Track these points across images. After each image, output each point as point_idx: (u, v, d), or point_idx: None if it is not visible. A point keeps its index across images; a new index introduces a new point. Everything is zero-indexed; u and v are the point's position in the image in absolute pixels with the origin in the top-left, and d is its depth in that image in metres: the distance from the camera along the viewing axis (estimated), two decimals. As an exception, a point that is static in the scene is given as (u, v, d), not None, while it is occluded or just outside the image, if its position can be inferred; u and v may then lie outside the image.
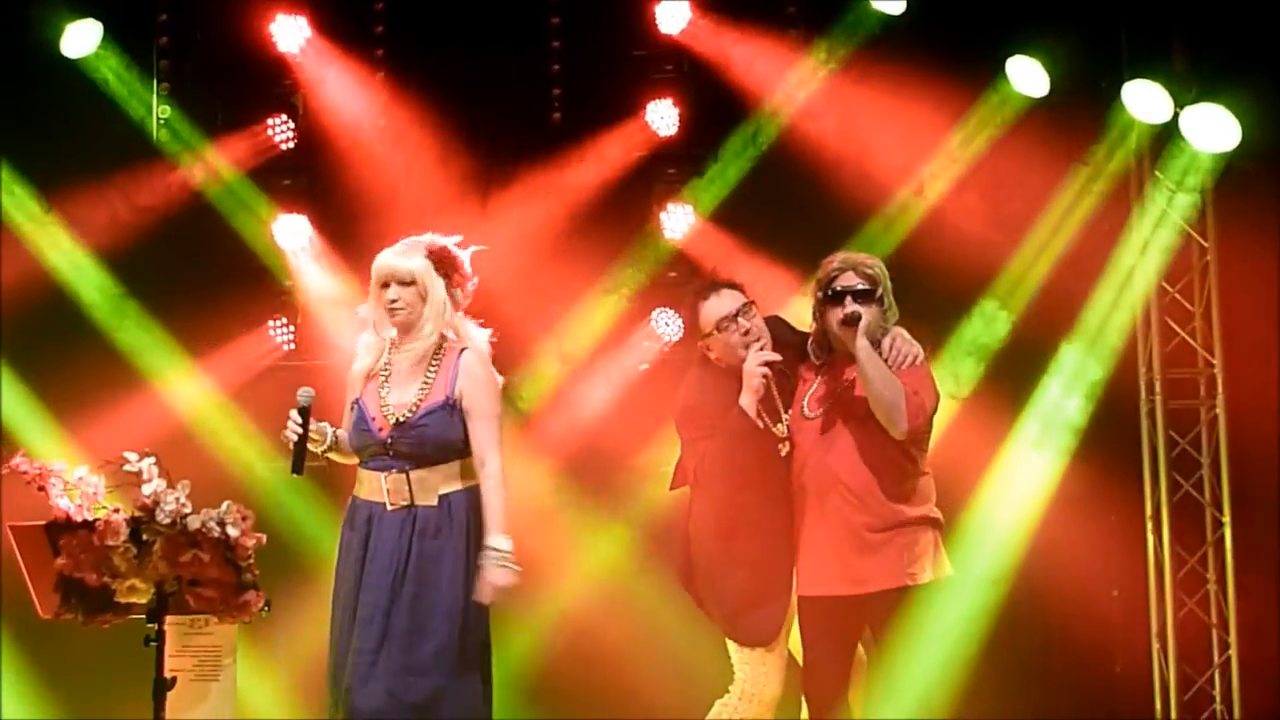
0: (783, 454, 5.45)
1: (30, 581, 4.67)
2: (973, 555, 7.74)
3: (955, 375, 7.84)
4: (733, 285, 5.54)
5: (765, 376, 5.34)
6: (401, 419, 5.07)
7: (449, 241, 5.27)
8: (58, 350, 7.93)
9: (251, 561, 4.81)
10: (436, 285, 5.17)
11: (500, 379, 5.24)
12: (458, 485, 5.10)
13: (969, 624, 7.64)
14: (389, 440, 5.07)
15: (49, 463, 4.56)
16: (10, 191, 7.99)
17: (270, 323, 8.20)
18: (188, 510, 4.64)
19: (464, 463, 5.12)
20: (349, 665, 4.98)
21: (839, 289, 5.36)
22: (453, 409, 5.10)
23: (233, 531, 4.72)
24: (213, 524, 4.69)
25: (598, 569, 8.06)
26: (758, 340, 5.43)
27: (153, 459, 4.63)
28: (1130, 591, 8.14)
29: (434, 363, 5.15)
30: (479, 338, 5.25)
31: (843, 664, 5.42)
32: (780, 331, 5.61)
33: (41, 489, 4.53)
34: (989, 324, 7.98)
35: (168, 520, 4.57)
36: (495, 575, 4.97)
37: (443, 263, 5.21)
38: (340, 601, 5.10)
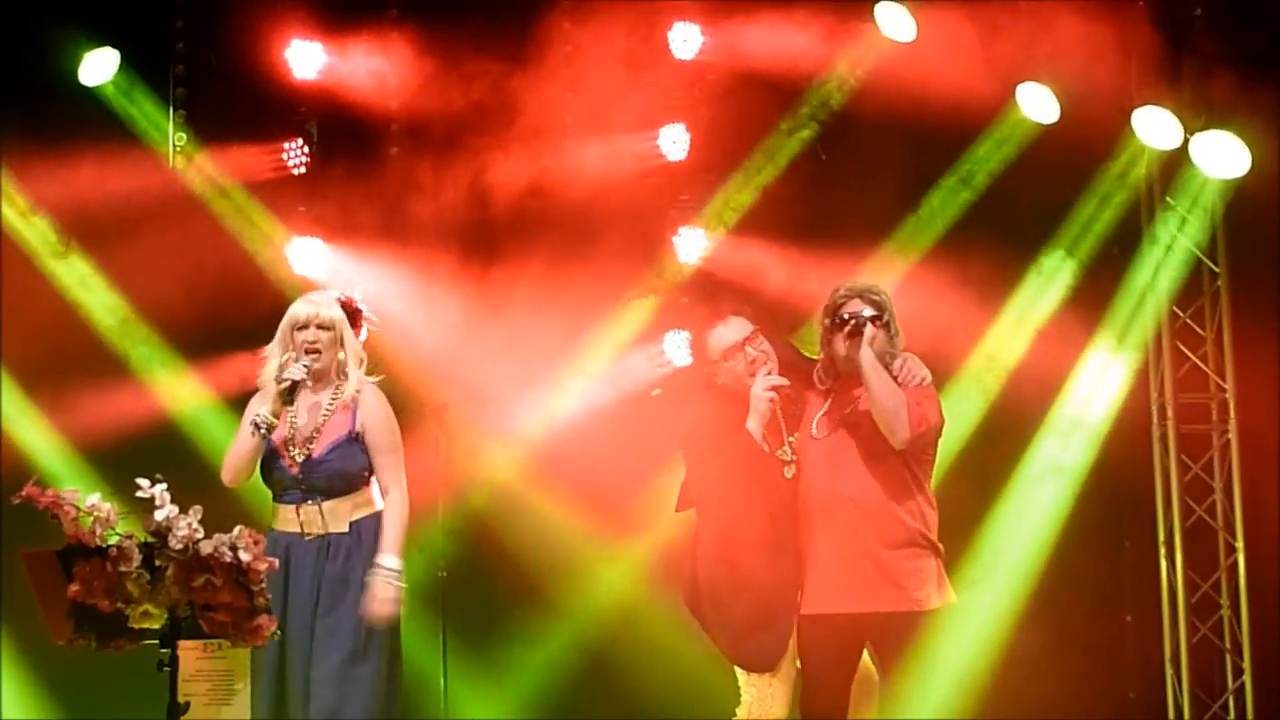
0: (788, 477, 5.47)
1: (43, 608, 4.67)
2: (986, 580, 7.74)
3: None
4: (739, 313, 5.58)
5: (772, 401, 5.39)
6: (305, 456, 5.45)
7: (354, 295, 5.71)
8: (70, 374, 7.99)
9: (263, 586, 4.82)
10: (350, 332, 5.62)
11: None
12: (367, 511, 5.56)
13: (982, 649, 7.63)
14: (300, 476, 5.46)
15: (61, 490, 4.58)
16: (25, 217, 8.06)
17: (285, 346, 8.23)
18: (200, 535, 4.65)
19: (371, 490, 5.55)
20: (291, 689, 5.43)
21: (846, 315, 5.42)
22: (355, 441, 5.51)
23: (244, 556, 4.73)
24: (224, 549, 4.69)
25: (609, 592, 8.08)
26: (764, 366, 5.47)
27: (164, 485, 4.65)
28: (1143, 617, 8.13)
29: (332, 401, 5.53)
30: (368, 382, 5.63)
31: (842, 685, 5.42)
32: (788, 355, 5.65)
33: (54, 516, 4.54)
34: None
35: (180, 545, 4.57)
36: (381, 589, 5.43)
37: (351, 314, 5.65)
38: None
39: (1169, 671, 8.03)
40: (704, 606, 5.54)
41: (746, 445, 5.39)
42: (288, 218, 8.24)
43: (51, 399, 7.97)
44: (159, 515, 4.58)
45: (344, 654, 5.42)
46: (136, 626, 4.68)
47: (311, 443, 5.49)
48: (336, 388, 5.58)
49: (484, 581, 7.95)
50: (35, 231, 8.10)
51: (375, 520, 5.53)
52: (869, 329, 5.35)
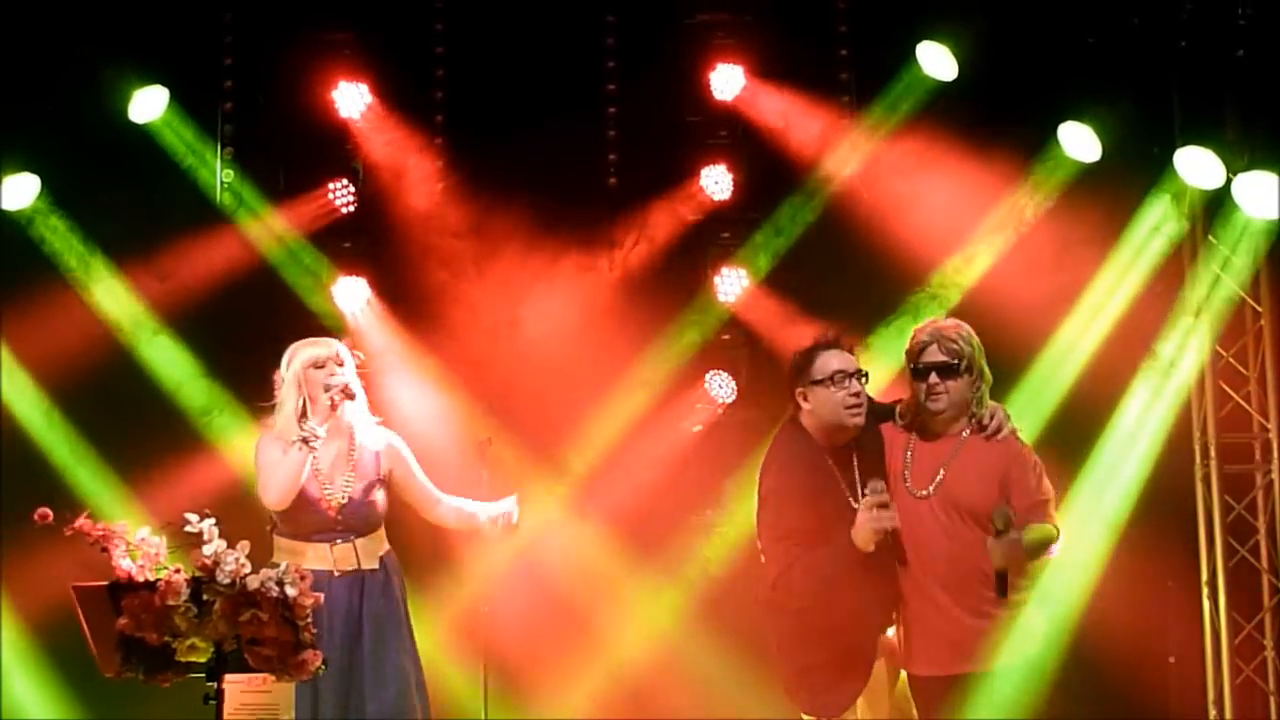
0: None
1: (92, 640, 4.73)
2: (1028, 621, 7.69)
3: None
4: (851, 349, 5.41)
5: (878, 535, 5.14)
6: (347, 499, 5.75)
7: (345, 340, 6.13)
8: (119, 409, 8.07)
9: (309, 621, 4.86)
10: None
11: None
12: (386, 547, 5.93)
13: (1024, 689, 7.57)
14: (338, 517, 5.73)
15: (112, 524, 4.63)
16: (75, 252, 8.16)
17: (328, 383, 8.28)
18: (247, 570, 4.70)
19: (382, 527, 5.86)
20: None
21: (923, 365, 5.31)
22: (382, 484, 5.84)
23: (291, 591, 4.77)
24: (271, 584, 4.73)
25: (650, 626, 8.08)
26: (861, 405, 5.28)
27: (213, 520, 4.70)
28: (1187, 658, 8.07)
29: (352, 444, 5.84)
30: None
31: None
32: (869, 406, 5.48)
33: (105, 550, 4.60)
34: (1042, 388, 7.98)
35: (227, 580, 4.63)
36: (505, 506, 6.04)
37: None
38: None
39: (1212, 713, 7.97)
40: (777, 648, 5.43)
41: (845, 548, 5.16)
42: (333, 255, 8.31)
43: (102, 436, 8.06)
44: (207, 550, 4.63)
45: (400, 685, 5.67)
46: (183, 660, 4.72)
47: (349, 485, 5.75)
48: (351, 431, 5.87)
49: (526, 616, 7.97)
50: (81, 263, 8.19)
51: (392, 554, 5.87)
52: (1006, 523, 5.06)
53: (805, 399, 5.35)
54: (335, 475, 5.79)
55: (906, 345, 5.43)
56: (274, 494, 5.73)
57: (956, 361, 5.29)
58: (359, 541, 5.77)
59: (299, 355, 5.92)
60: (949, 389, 5.28)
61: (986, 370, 5.38)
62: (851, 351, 5.38)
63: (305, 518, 5.76)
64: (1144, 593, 7.98)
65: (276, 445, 5.81)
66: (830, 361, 5.32)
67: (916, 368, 5.33)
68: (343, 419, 5.85)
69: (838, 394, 5.29)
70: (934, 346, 5.31)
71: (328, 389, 5.77)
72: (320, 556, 5.72)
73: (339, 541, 5.74)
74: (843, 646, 5.30)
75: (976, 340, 5.38)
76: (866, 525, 5.14)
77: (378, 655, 5.69)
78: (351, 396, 5.81)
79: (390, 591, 5.82)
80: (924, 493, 5.30)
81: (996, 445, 5.32)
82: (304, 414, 5.80)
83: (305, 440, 5.69)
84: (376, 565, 5.85)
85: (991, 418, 5.34)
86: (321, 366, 5.84)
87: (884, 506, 5.15)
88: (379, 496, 5.86)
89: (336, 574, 5.74)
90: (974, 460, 5.27)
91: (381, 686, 5.66)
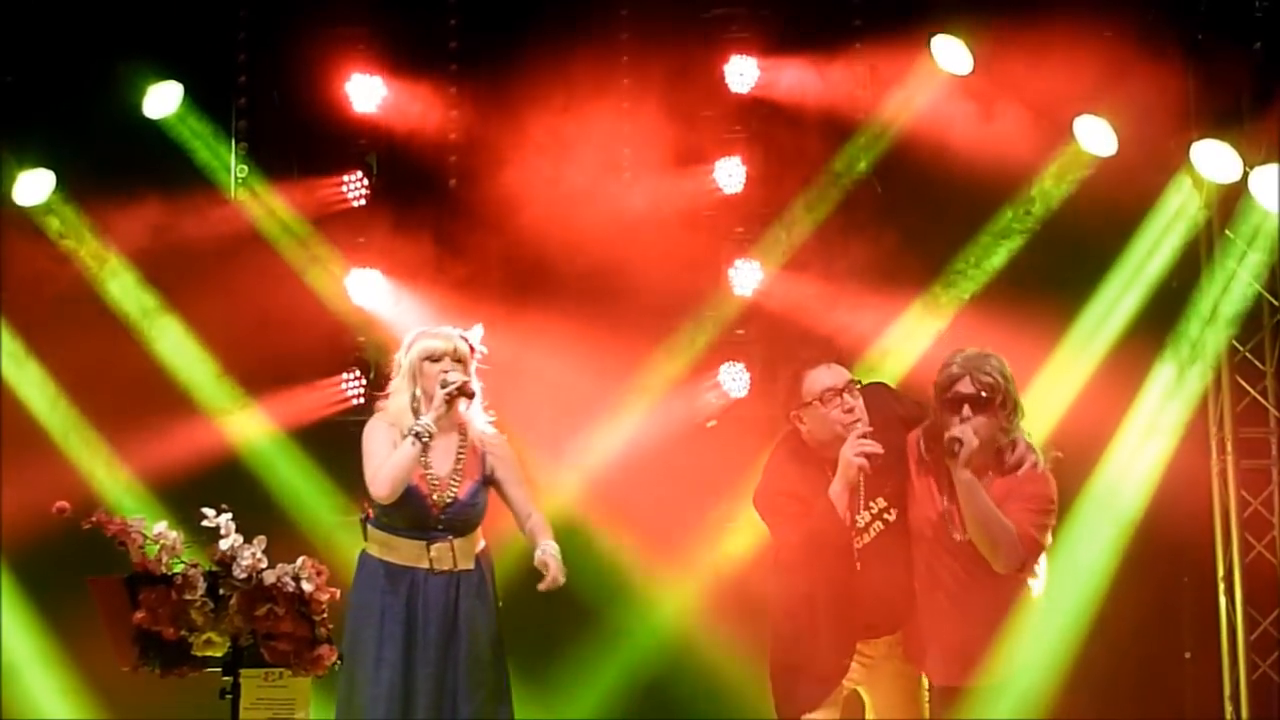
0: (859, 546, 5.27)
1: (109, 633, 4.74)
2: (1045, 613, 7.68)
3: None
4: (839, 361, 5.36)
5: (862, 467, 5.16)
6: (453, 498, 5.65)
7: (470, 333, 5.83)
8: (131, 401, 8.09)
9: (325, 616, 4.87)
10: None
11: None
12: (482, 546, 5.80)
13: (1040, 685, 7.57)
14: (441, 515, 5.63)
15: (129, 518, 4.65)
16: (89, 246, 8.19)
17: (344, 375, 8.31)
18: (263, 565, 4.71)
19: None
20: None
21: (955, 395, 5.20)
22: (487, 484, 5.74)
23: (307, 586, 4.78)
24: (288, 579, 4.74)
25: (665, 622, 8.09)
26: (858, 420, 5.24)
27: (229, 514, 4.71)
28: (1202, 654, 8.06)
29: (462, 442, 5.72)
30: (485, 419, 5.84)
31: None
32: (883, 402, 5.44)
33: (121, 543, 4.61)
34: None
35: (244, 575, 4.64)
36: (557, 561, 5.65)
37: (471, 351, 5.80)
38: (384, 661, 5.56)
39: (1228, 708, 7.96)
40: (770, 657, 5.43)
41: (827, 515, 5.18)
42: (347, 249, 8.32)
43: (117, 431, 8.08)
44: (223, 544, 4.64)
45: (492, 689, 5.65)
46: (200, 654, 4.74)
47: (455, 484, 5.66)
48: (461, 428, 5.74)
49: (541, 611, 7.96)
50: (87, 249, 8.21)
51: (487, 555, 5.79)
52: (964, 449, 5.06)
53: (801, 421, 5.33)
54: (443, 473, 5.68)
55: (936, 376, 5.34)
56: (384, 486, 5.59)
57: (989, 395, 5.20)
58: (457, 541, 5.65)
59: (416, 345, 5.77)
60: (970, 434, 5.14)
61: (1020, 401, 5.29)
62: (840, 363, 5.33)
63: (407, 513, 5.65)
64: (1159, 588, 7.98)
65: (388, 434, 5.67)
66: (819, 379, 5.28)
67: (947, 399, 5.23)
68: (456, 415, 5.71)
69: (832, 412, 5.25)
70: (966, 379, 5.22)
71: (444, 385, 5.62)
72: (418, 553, 5.63)
73: (437, 540, 5.64)
74: (811, 654, 5.29)
75: (1008, 370, 5.28)
76: (849, 452, 5.14)
77: (473, 657, 5.62)
78: (470, 395, 5.67)
79: (484, 592, 5.71)
80: (962, 537, 5.24)
81: (1014, 478, 5.27)
82: (418, 404, 5.68)
83: (418, 436, 5.57)
84: (472, 565, 5.72)
85: (1014, 449, 5.29)
86: (437, 360, 5.69)
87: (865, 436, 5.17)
88: (482, 498, 5.74)
89: (434, 573, 5.65)
90: (995, 495, 5.21)
91: (477, 688, 5.60)
